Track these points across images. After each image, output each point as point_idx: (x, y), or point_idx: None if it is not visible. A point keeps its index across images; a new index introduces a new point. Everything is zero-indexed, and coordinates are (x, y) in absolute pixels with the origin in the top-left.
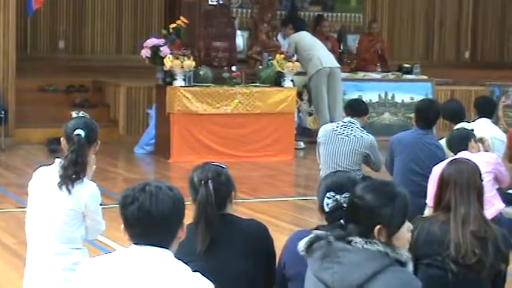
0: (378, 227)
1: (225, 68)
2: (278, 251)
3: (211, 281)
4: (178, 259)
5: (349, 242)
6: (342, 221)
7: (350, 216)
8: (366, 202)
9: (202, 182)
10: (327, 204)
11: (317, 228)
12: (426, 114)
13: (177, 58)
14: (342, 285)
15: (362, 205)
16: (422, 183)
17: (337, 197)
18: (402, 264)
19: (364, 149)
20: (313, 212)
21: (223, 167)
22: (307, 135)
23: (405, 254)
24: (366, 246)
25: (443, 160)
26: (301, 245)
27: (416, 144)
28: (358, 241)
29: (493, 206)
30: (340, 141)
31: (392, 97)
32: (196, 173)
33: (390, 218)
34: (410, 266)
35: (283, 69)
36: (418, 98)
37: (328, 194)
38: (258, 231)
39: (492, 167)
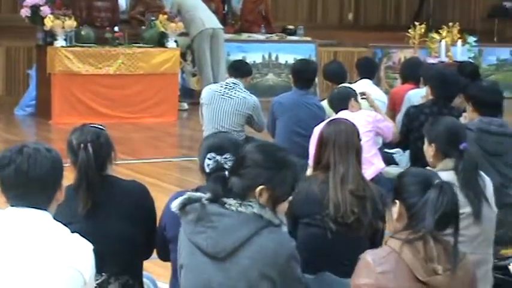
0: (261, 186)
1: (108, 28)
2: (161, 213)
3: (91, 242)
4: (58, 221)
5: (224, 205)
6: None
7: (236, 170)
8: (256, 160)
9: (82, 145)
10: (208, 165)
11: (197, 189)
12: (303, 74)
13: (58, 18)
14: (216, 250)
15: (252, 162)
16: (304, 144)
17: (218, 157)
18: (275, 226)
19: (247, 110)
20: (196, 173)
21: (102, 128)
22: (191, 96)
23: (279, 218)
24: (240, 209)
25: (324, 120)
26: (174, 206)
27: (297, 105)
28: (232, 203)
29: (372, 166)
30: (223, 102)
31: (276, 58)
32: (74, 136)
33: (277, 184)
34: (284, 228)
35: (166, 29)
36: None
37: (208, 155)
38: (138, 192)
39: (372, 125)
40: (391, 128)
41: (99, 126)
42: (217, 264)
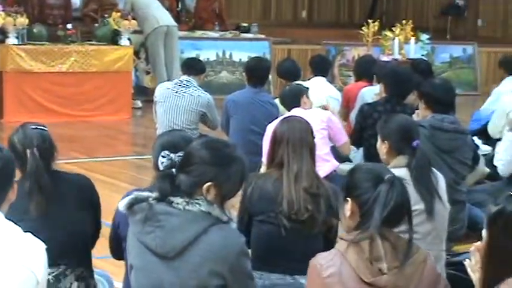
0: (208, 183)
1: (60, 26)
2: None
3: (43, 240)
4: (9, 218)
5: (171, 203)
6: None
7: (183, 167)
8: (203, 157)
9: (28, 151)
10: (162, 163)
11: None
12: (257, 72)
13: (10, 15)
14: (165, 249)
15: (199, 159)
16: (258, 141)
17: (172, 155)
18: (224, 223)
19: (201, 107)
20: (150, 171)
21: (44, 129)
22: (145, 94)
23: (227, 215)
24: (187, 207)
25: (278, 118)
26: (122, 206)
27: (250, 103)
28: (179, 202)
29: (327, 163)
30: (177, 100)
31: (230, 56)
32: (18, 138)
33: (224, 180)
34: (233, 224)
35: (119, 27)
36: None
37: (162, 153)
38: (84, 184)
39: (325, 124)
40: (345, 136)
41: (42, 127)
42: (167, 263)
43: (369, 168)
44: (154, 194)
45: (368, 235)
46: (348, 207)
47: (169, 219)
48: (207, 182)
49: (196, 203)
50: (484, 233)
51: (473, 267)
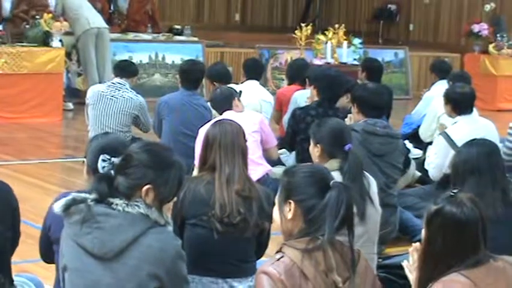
0: (147, 186)
1: None
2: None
3: None
4: None
5: (110, 205)
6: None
7: (122, 169)
8: (142, 160)
9: None
10: (103, 167)
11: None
12: (190, 75)
13: None
14: (103, 250)
15: (138, 161)
16: (190, 144)
17: (114, 159)
18: (161, 226)
19: (134, 110)
20: (81, 174)
21: None
22: (76, 96)
23: (164, 218)
24: (127, 209)
25: (210, 121)
26: (58, 207)
27: (183, 105)
28: (119, 203)
29: (259, 166)
30: (109, 102)
31: (163, 58)
32: None
33: (162, 183)
34: (169, 228)
35: (51, 29)
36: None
37: (102, 157)
38: (3, 190)
39: (258, 126)
40: (274, 140)
41: None
42: (104, 265)
43: (310, 171)
44: (93, 196)
45: (321, 245)
46: (290, 210)
47: (109, 220)
48: (146, 184)
49: (136, 205)
50: (422, 232)
51: (410, 267)
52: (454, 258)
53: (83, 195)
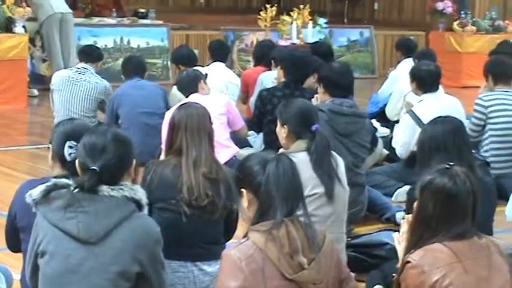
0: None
1: None
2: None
3: None
4: None
5: (95, 191)
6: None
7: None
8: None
9: None
10: (70, 154)
11: (56, 177)
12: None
13: None
14: (89, 234)
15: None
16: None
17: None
18: (141, 206)
19: (99, 94)
20: (47, 161)
21: None
22: (41, 82)
23: (144, 198)
24: (112, 193)
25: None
26: (36, 193)
27: (134, 90)
28: (104, 189)
29: (227, 149)
30: (74, 87)
31: (128, 42)
32: None
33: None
34: (145, 210)
35: (13, 15)
36: (153, 43)
37: (69, 143)
38: None
39: (225, 108)
40: (242, 120)
41: None
42: (88, 249)
43: (256, 156)
44: (75, 181)
45: (280, 221)
46: (244, 198)
47: (94, 205)
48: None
49: (120, 188)
50: (415, 203)
51: (399, 238)
52: (441, 225)
53: (64, 180)
